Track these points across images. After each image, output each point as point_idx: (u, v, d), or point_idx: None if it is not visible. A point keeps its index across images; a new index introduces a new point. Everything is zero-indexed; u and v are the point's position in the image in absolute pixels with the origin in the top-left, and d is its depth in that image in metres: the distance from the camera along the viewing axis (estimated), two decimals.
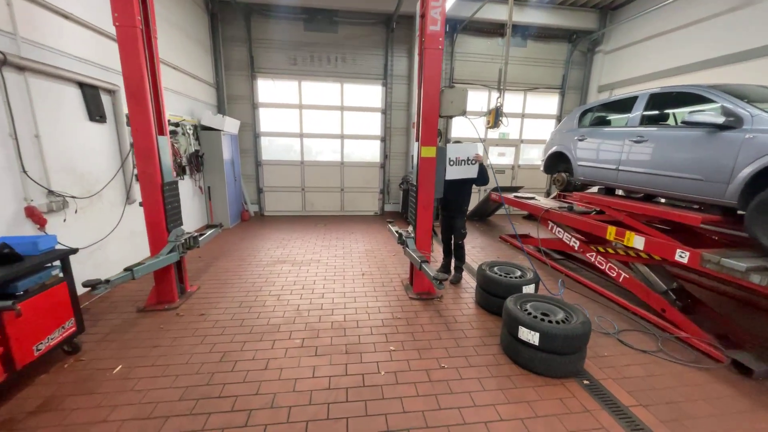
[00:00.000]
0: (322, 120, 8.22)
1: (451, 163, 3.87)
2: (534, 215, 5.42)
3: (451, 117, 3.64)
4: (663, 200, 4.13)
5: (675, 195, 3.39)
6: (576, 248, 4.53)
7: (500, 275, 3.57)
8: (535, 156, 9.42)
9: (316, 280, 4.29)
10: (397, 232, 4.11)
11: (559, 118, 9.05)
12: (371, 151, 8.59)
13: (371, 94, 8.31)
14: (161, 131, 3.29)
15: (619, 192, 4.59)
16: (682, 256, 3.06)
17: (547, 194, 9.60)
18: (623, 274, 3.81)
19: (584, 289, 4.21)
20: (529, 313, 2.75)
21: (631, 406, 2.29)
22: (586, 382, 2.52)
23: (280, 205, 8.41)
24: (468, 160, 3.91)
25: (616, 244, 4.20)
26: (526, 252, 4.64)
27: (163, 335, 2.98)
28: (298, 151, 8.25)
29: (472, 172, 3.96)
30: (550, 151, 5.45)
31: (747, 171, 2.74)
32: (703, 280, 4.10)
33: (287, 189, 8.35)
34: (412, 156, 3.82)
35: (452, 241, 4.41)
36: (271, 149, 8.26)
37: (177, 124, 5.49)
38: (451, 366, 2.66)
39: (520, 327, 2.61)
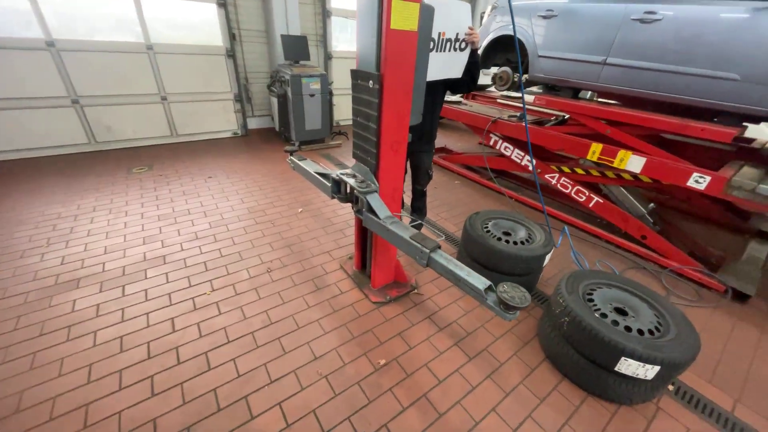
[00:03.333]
0: None
1: (431, 46, 1.92)
2: (474, 127, 4.25)
3: None
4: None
5: (686, 101, 2.69)
6: (530, 169, 3.74)
7: (503, 239, 2.38)
8: None
9: (177, 321, 2.05)
10: (327, 176, 2.12)
11: None
12: (203, 25, 5.02)
13: None
14: None
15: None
16: (700, 181, 2.53)
17: None
18: (595, 198, 3.27)
19: (535, 213, 3.61)
20: (615, 322, 1.72)
21: (733, 411, 1.74)
22: (670, 387, 1.84)
23: (32, 137, 4.32)
24: (456, 40, 2.03)
25: (584, 162, 3.59)
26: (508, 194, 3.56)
27: None
28: (34, 18, 3.93)
29: (457, 65, 2.14)
30: (489, 37, 4.01)
31: None
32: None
33: (38, 102, 4.21)
34: (364, 42, 1.69)
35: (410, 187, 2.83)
36: None
37: None
38: None
39: (624, 359, 1.56)
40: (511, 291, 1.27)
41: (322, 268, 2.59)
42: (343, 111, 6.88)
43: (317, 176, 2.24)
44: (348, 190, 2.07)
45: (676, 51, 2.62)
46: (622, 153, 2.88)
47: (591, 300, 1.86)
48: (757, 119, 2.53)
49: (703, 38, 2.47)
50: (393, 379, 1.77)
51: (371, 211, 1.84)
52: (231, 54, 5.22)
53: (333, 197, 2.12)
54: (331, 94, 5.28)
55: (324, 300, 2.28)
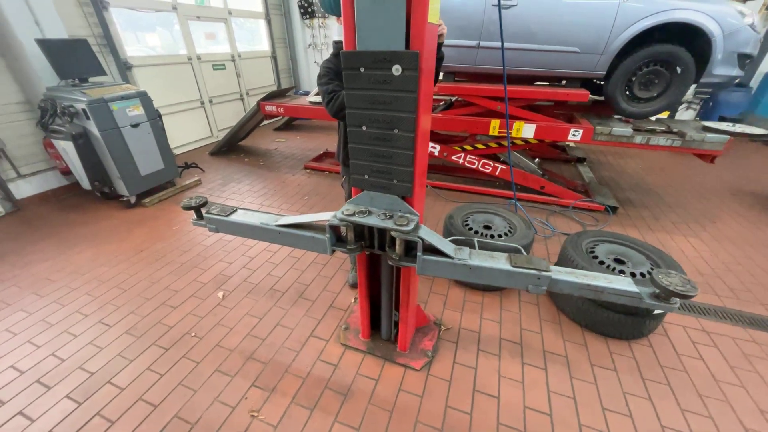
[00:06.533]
0: None
1: None
2: None
3: None
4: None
5: (543, 73, 3.27)
6: (436, 154, 3.86)
7: (494, 236, 2.34)
8: (249, 37, 6.76)
9: None
10: (300, 226, 1.45)
11: None
12: None
13: None
14: None
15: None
16: (576, 134, 3.20)
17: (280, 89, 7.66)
18: (499, 166, 3.71)
19: (457, 194, 3.87)
20: (610, 268, 1.96)
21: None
22: None
23: None
24: None
25: (480, 138, 3.95)
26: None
27: None
28: None
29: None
30: None
31: (623, 37, 2.88)
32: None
33: None
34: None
35: None
36: None
37: None
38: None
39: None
40: (674, 278, 1.14)
41: (324, 364, 1.86)
42: (176, 136, 5.17)
43: (286, 231, 1.47)
44: (357, 235, 1.44)
45: (531, 32, 3.11)
46: (517, 124, 3.31)
47: (601, 261, 2.06)
48: (588, 81, 3.38)
49: (550, 20, 3.01)
50: None
51: (432, 251, 1.34)
52: None
53: (333, 251, 1.47)
54: (160, 116, 3.79)
55: (364, 406, 1.64)
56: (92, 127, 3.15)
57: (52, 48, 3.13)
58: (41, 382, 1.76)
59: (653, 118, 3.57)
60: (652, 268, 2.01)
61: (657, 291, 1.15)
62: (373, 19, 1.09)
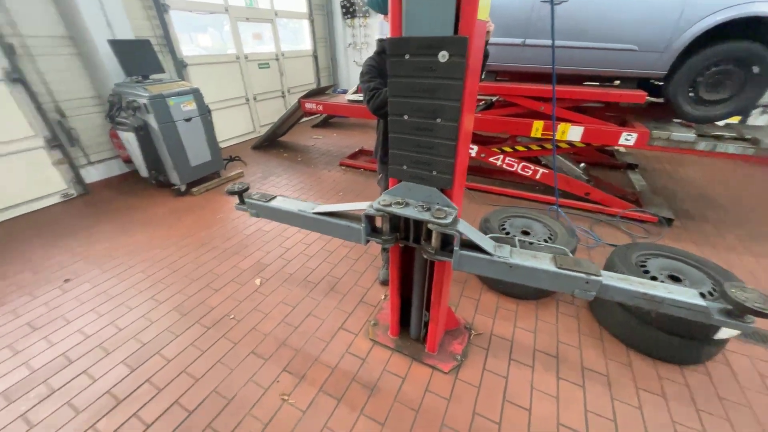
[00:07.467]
0: None
1: None
2: None
3: None
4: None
5: (595, 72, 3.07)
6: (473, 155, 3.77)
7: (534, 242, 2.24)
8: (292, 37, 7.00)
9: None
10: (337, 215, 1.45)
11: None
12: None
13: None
14: None
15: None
16: (629, 138, 2.97)
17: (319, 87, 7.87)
18: (540, 170, 3.54)
19: (490, 196, 3.74)
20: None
21: None
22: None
23: None
24: None
25: (521, 140, 3.81)
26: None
27: None
28: None
29: None
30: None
31: (690, 33, 2.63)
32: None
33: None
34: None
35: None
36: None
37: None
38: None
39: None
40: (751, 294, 1.01)
41: (352, 357, 1.89)
42: (222, 130, 5.49)
43: (323, 218, 1.49)
44: (393, 227, 1.44)
45: (583, 28, 2.93)
46: (562, 126, 3.14)
47: (653, 277, 1.90)
48: (644, 81, 3.13)
49: (606, 15, 2.82)
50: None
51: (471, 247, 1.30)
52: (17, 77, 3.25)
53: (367, 241, 1.46)
54: (209, 112, 4.03)
55: (390, 402, 1.64)
56: (152, 120, 3.43)
57: (120, 48, 3.45)
58: (102, 347, 1.95)
59: (720, 123, 3.23)
60: (714, 289, 1.82)
61: (729, 307, 1.04)
62: (421, 7, 1.09)
